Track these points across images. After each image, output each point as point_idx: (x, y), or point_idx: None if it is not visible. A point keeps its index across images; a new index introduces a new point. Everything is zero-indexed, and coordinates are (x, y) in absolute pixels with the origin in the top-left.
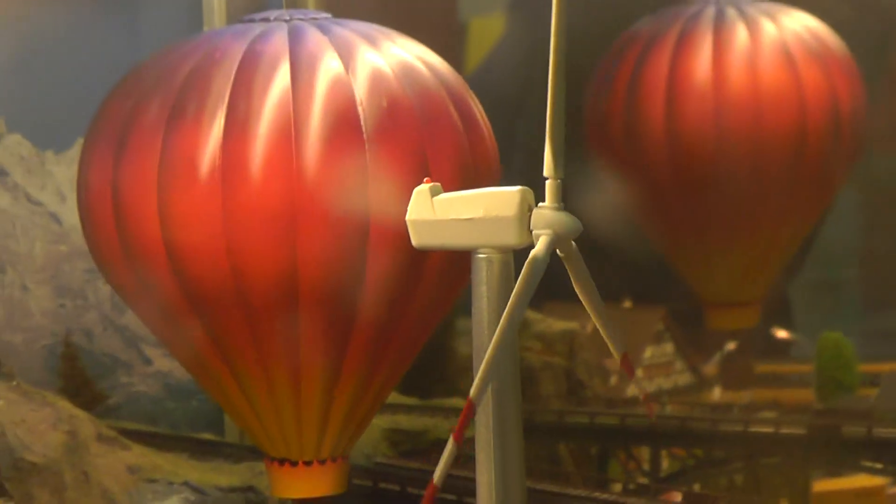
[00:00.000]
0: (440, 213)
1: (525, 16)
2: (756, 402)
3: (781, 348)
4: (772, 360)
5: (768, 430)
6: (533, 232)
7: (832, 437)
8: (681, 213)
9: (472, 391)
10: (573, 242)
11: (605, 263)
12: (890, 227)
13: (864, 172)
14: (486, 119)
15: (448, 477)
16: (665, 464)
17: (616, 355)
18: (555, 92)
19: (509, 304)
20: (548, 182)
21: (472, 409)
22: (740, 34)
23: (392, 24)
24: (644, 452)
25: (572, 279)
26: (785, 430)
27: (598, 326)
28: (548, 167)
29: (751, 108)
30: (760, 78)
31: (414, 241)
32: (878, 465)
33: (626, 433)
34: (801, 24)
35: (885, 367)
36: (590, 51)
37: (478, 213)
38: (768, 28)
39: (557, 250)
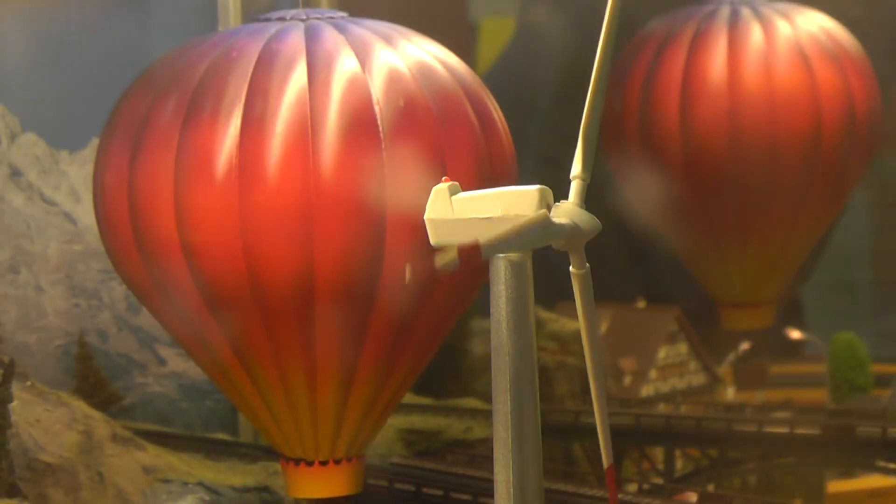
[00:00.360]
0: (458, 211)
1: (536, 18)
2: (770, 403)
3: (795, 349)
4: (786, 361)
5: (782, 430)
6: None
7: (846, 438)
8: (696, 212)
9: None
10: (588, 264)
11: (619, 263)
12: None
13: (876, 173)
14: (502, 118)
15: (464, 477)
16: (679, 464)
17: (605, 462)
18: (594, 97)
19: (509, 232)
20: (575, 182)
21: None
22: (755, 34)
23: (402, 24)
24: (658, 453)
25: (578, 308)
26: (799, 431)
27: (595, 415)
28: (576, 168)
29: (766, 107)
30: (775, 78)
31: (432, 240)
32: (893, 466)
33: (640, 433)
34: (816, 23)
35: None
36: None
37: (496, 212)
38: (783, 28)
39: (571, 267)
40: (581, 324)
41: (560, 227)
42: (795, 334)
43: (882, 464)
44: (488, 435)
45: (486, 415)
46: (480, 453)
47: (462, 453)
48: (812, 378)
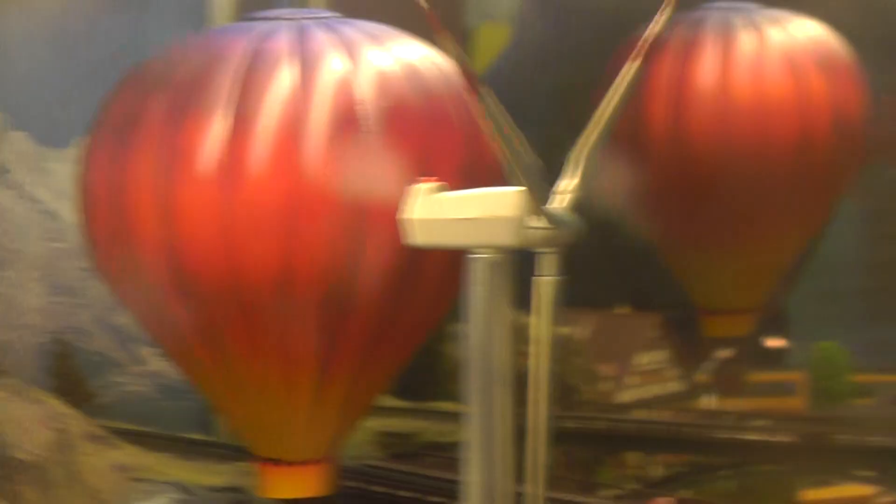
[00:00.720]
0: (438, 212)
1: (531, 26)
2: (748, 410)
3: (776, 357)
4: (765, 369)
5: (760, 437)
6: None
7: (823, 446)
8: (682, 218)
9: None
10: (559, 277)
11: (602, 269)
12: (893, 238)
13: (868, 183)
14: None
15: (439, 480)
16: (656, 469)
17: None
18: (602, 123)
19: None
20: (568, 195)
21: None
22: (746, 41)
23: (395, 27)
24: (636, 458)
25: (536, 321)
26: (776, 438)
27: None
28: (571, 183)
29: (755, 114)
30: (765, 85)
31: (411, 240)
32: (869, 474)
33: (617, 438)
34: (807, 31)
35: (882, 377)
36: (597, 55)
37: (476, 212)
38: (774, 35)
39: (542, 273)
40: (536, 338)
41: (547, 199)
42: (774, 343)
43: (857, 472)
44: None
45: (463, 418)
46: (456, 456)
47: (438, 456)
48: (792, 386)
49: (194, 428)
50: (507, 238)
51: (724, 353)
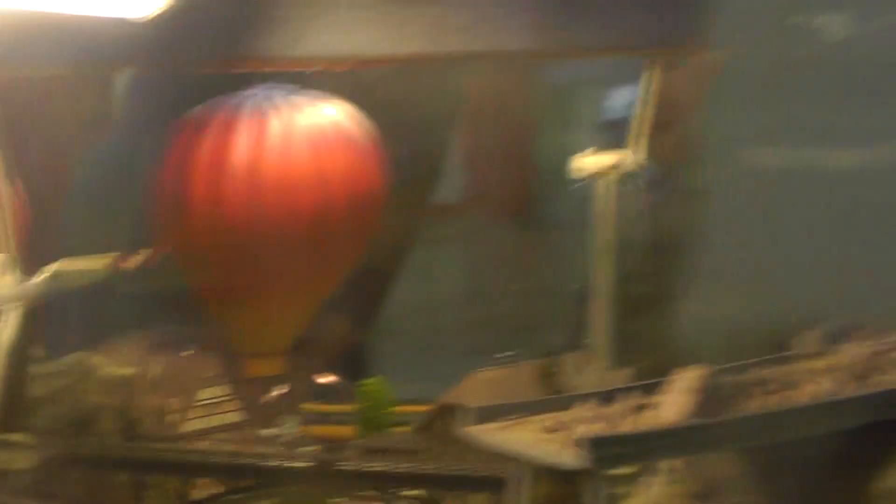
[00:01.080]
0: None
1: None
2: (297, 440)
3: (330, 392)
4: (319, 401)
5: (298, 464)
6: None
7: (341, 470)
8: (217, 275)
9: None
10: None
11: (171, 311)
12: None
13: (470, 233)
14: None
15: None
16: (197, 493)
17: None
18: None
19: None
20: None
21: None
22: (276, 122)
23: None
24: (179, 483)
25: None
26: (308, 463)
27: None
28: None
29: (280, 189)
30: (289, 162)
31: None
32: (373, 494)
33: (167, 466)
34: (332, 113)
35: (416, 408)
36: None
37: None
38: (301, 116)
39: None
40: None
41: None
42: (326, 379)
43: (361, 493)
44: (30, 465)
45: (29, 448)
46: (23, 483)
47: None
48: (345, 417)
49: None
50: None
51: (275, 389)
